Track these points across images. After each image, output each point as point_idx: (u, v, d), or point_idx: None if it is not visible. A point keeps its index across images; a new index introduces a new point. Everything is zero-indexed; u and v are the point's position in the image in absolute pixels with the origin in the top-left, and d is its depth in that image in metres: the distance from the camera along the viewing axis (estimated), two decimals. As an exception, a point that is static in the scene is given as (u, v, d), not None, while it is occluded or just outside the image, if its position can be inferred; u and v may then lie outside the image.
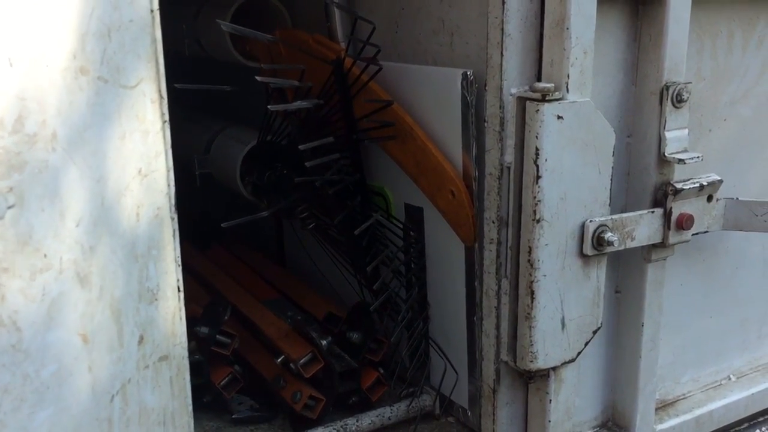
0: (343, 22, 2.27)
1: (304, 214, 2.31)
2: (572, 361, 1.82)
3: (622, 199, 1.91)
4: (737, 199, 1.95)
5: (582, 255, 1.75)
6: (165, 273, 1.29)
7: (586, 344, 1.83)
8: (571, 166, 1.68)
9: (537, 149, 1.64)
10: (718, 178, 1.89)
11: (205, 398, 2.20)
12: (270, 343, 2.22)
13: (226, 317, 2.18)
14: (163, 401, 1.30)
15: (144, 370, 1.23)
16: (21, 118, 0.89)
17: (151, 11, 1.22)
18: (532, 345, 1.75)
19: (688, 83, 1.80)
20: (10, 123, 0.88)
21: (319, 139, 1.99)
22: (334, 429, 2.06)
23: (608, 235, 1.73)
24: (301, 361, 2.08)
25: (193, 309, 2.35)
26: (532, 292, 1.72)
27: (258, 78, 1.83)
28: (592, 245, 1.74)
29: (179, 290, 1.38)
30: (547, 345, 1.77)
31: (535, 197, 1.67)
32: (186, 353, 1.42)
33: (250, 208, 2.59)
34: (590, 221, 1.73)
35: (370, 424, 2.11)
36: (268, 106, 1.87)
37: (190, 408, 1.44)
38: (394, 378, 2.21)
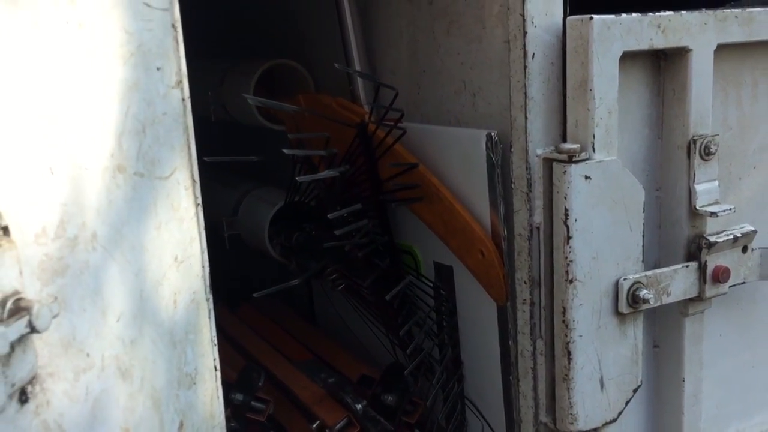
0: (365, 85, 2.30)
1: (333, 275, 2.31)
2: (614, 421, 1.79)
3: (655, 253, 1.90)
4: (773, 248, 1.92)
5: (618, 313, 1.73)
6: (202, 356, 1.29)
7: (627, 403, 1.80)
8: (602, 225, 1.68)
9: (566, 210, 1.64)
10: (752, 228, 1.87)
11: (242, 466, 2.19)
12: (305, 408, 2.22)
13: (260, 383, 2.18)
14: (204, 486, 1.30)
15: (184, 458, 1.23)
16: (63, 223, 0.91)
17: (183, 101, 1.25)
18: (571, 407, 1.73)
19: (716, 135, 1.80)
20: (53, 229, 0.90)
21: (346, 204, 2.01)
22: (373, 495, 2.04)
23: (643, 293, 1.71)
24: (337, 426, 2.07)
25: (227, 373, 2.35)
26: (569, 353, 1.70)
27: (285, 151, 1.86)
28: (628, 303, 1.72)
29: (216, 369, 1.39)
30: (587, 406, 1.74)
31: (566, 257, 1.66)
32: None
33: (279, 267, 2.61)
34: (624, 279, 1.71)
35: (408, 488, 2.08)
36: (296, 178, 1.89)
37: (230, 489, 1.44)
38: (431, 439, 2.18)
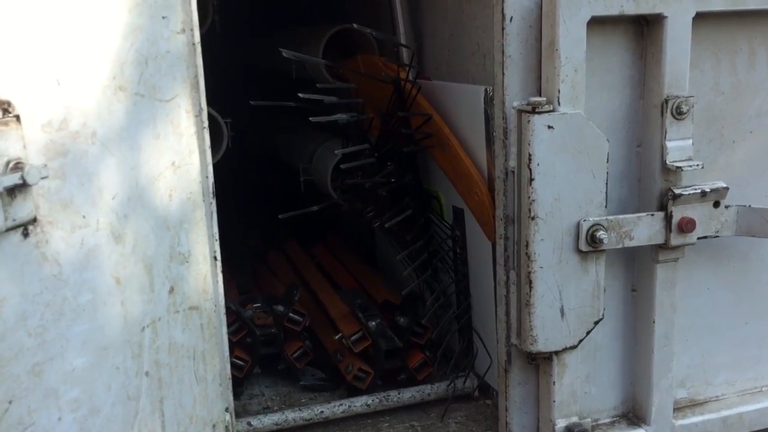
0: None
1: (371, 213, 2.65)
2: (573, 347, 2.01)
3: (635, 203, 2.08)
4: (749, 206, 2.04)
5: (578, 251, 1.94)
6: (197, 243, 1.68)
7: (588, 333, 2.01)
8: (564, 170, 1.89)
9: (530, 155, 1.88)
10: (724, 185, 2.00)
11: (280, 366, 2.60)
12: (333, 322, 2.58)
13: (296, 298, 2.57)
14: (193, 341, 1.69)
15: (174, 314, 1.63)
16: (66, 120, 1.31)
17: (192, 44, 1.63)
18: (531, 329, 1.97)
19: (690, 97, 1.95)
20: (57, 123, 1.30)
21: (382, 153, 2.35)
22: (377, 398, 2.37)
23: (600, 233, 1.91)
24: (352, 337, 2.42)
25: (279, 290, 2.77)
26: (530, 282, 1.94)
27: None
28: (587, 242, 1.93)
29: (215, 259, 1.77)
30: (546, 330, 1.97)
31: (529, 197, 1.90)
32: (221, 308, 1.80)
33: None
34: (584, 220, 1.92)
35: (410, 397, 2.40)
36: (310, 118, 2.23)
37: (226, 352, 1.82)
38: (437, 360, 2.48)
